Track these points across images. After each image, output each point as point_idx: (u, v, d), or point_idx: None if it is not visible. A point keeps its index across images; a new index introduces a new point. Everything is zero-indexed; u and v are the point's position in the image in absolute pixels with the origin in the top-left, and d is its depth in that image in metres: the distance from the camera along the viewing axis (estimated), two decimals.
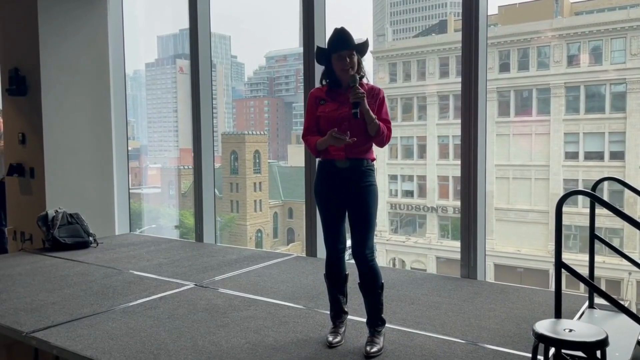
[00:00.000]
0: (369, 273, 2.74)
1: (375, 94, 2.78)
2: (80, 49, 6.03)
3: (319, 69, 4.90)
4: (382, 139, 2.75)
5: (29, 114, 5.83)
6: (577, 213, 14.92)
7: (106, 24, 6.21)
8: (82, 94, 6.07)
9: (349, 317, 2.98)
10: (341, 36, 2.76)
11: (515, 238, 18.57)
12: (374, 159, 2.84)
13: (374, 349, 2.66)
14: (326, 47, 2.79)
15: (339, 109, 2.74)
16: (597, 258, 3.36)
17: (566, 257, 2.58)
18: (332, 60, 2.75)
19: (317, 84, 4.97)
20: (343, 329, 2.88)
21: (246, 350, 2.74)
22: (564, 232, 2.59)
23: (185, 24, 5.85)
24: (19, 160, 5.94)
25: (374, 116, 2.69)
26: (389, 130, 2.76)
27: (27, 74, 5.79)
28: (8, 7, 5.90)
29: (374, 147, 2.83)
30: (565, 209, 2.59)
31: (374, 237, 2.86)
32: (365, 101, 2.65)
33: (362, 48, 2.81)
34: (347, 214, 2.82)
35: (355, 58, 2.76)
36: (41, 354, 3.06)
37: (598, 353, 2.18)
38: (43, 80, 5.70)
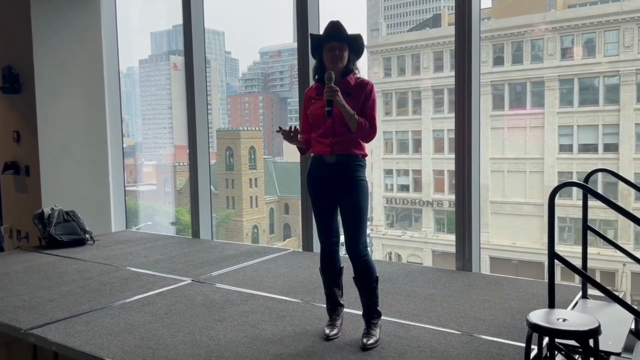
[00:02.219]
0: (363, 268, 2.77)
1: (362, 87, 2.77)
2: (73, 46, 6.01)
3: (313, 64, 4.92)
4: (364, 134, 2.73)
5: (23, 112, 5.82)
6: (571, 205, 15.00)
7: (99, 21, 6.20)
8: (76, 91, 6.06)
9: (346, 310, 3.01)
10: (335, 28, 2.77)
11: (511, 231, 18.65)
12: (364, 155, 2.83)
13: (371, 341, 2.70)
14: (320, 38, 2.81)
15: (324, 107, 2.75)
16: (591, 250, 3.39)
17: (561, 249, 2.61)
18: (324, 52, 2.77)
19: (311, 80, 4.99)
20: (340, 322, 2.91)
21: (244, 344, 2.77)
22: (558, 224, 2.62)
23: (178, 20, 5.85)
24: (13, 159, 5.93)
25: (352, 112, 2.67)
26: (372, 125, 2.73)
27: (21, 72, 5.77)
28: (0, 4, 5.88)
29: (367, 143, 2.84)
30: (559, 201, 2.62)
31: (367, 231, 2.87)
32: (340, 97, 2.64)
33: (355, 43, 2.80)
34: (338, 208, 2.85)
35: (346, 53, 2.76)
36: (40, 351, 3.07)
37: (591, 342, 2.22)
38: (37, 78, 5.69)
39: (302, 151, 2.99)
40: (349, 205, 2.77)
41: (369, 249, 2.85)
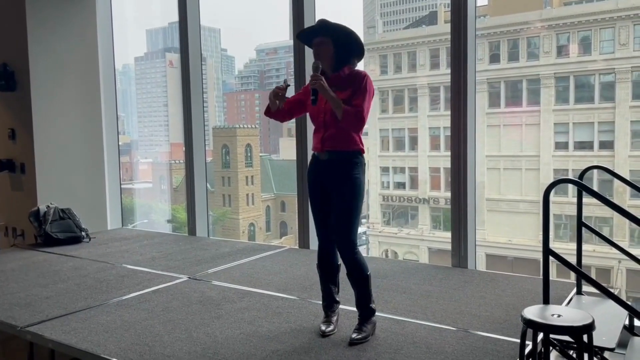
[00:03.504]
0: (353, 267, 2.77)
1: (354, 78, 2.73)
2: (69, 43, 5.99)
3: (309, 62, 4.93)
4: (350, 123, 2.66)
5: (19, 109, 5.80)
6: (567, 202, 15.03)
7: (95, 18, 6.18)
8: (72, 88, 6.04)
9: (342, 306, 3.02)
10: (317, 24, 2.77)
11: (507, 228, 18.69)
12: (358, 150, 2.77)
13: (359, 336, 2.71)
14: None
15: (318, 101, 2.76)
16: (587, 247, 3.41)
17: (557, 246, 2.62)
18: None
19: (308, 77, 5.00)
20: (335, 318, 2.92)
21: (240, 340, 2.77)
22: (554, 221, 2.63)
23: (174, 17, 5.84)
24: (9, 156, 5.91)
25: (337, 100, 2.65)
26: (357, 112, 2.64)
27: (16, 69, 5.76)
28: None
29: (363, 139, 2.82)
30: (555, 198, 2.64)
31: (358, 231, 2.81)
32: (324, 85, 2.62)
33: (339, 35, 2.73)
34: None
35: (331, 48, 2.72)
36: (36, 348, 3.08)
37: (585, 337, 2.24)
38: (32, 75, 5.67)
39: (267, 111, 2.91)
40: (337, 204, 2.75)
41: (358, 248, 2.79)
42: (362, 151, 2.79)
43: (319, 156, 2.81)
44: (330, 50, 2.73)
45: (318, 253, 2.94)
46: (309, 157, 4.87)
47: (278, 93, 2.78)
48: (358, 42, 2.79)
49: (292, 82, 5.06)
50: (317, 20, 2.81)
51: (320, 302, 2.99)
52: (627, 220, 2.52)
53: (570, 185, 2.95)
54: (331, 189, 2.79)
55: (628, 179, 3.46)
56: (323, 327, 2.84)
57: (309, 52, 4.93)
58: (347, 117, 2.65)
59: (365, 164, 2.83)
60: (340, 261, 2.94)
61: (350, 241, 2.75)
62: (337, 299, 2.96)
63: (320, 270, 2.95)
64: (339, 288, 2.98)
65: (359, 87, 2.71)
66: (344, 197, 2.74)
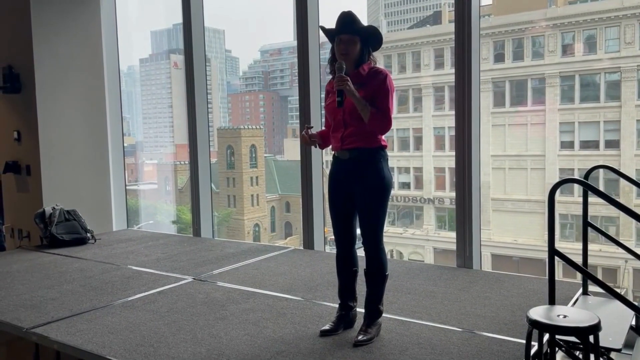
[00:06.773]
0: (374, 262, 2.75)
1: (374, 77, 2.69)
2: (73, 45, 6.01)
3: (313, 62, 4.93)
4: (377, 125, 2.64)
5: (24, 111, 5.83)
6: (573, 202, 14.97)
7: (99, 20, 6.20)
8: (77, 90, 6.06)
9: None
10: (344, 19, 2.71)
11: (512, 228, 18.64)
12: (380, 147, 2.72)
13: (364, 338, 2.69)
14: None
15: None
16: (593, 246, 3.39)
17: (563, 245, 2.61)
18: (334, 44, 2.73)
19: (312, 77, 5.01)
20: (340, 324, 2.87)
21: (245, 341, 2.77)
22: (560, 221, 2.62)
23: (178, 18, 5.85)
24: (14, 158, 5.94)
25: (364, 102, 2.62)
26: (385, 114, 2.63)
27: (21, 72, 5.78)
28: (0, 4, 5.88)
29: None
30: (561, 198, 2.63)
31: (383, 228, 2.75)
32: (351, 87, 2.60)
33: (367, 35, 2.71)
34: (354, 209, 2.79)
35: (358, 45, 2.69)
36: (42, 349, 3.08)
37: (591, 338, 2.22)
38: (37, 77, 5.69)
39: (319, 146, 2.94)
40: (363, 202, 2.71)
41: (384, 246, 2.76)
42: (384, 146, 2.75)
43: (340, 155, 2.76)
44: (357, 49, 2.69)
45: (337, 260, 2.90)
46: (313, 158, 4.94)
47: (306, 137, 2.83)
48: (378, 38, 2.75)
49: (296, 84, 5.05)
50: (342, 13, 2.70)
51: (325, 303, 2.99)
52: (633, 220, 2.50)
53: (576, 185, 2.94)
54: (355, 188, 2.73)
55: (634, 178, 3.45)
56: (325, 326, 2.84)
57: (312, 53, 4.93)
58: (373, 119, 2.62)
59: (387, 159, 2.77)
60: (357, 267, 2.90)
61: (376, 239, 2.72)
62: (351, 304, 2.90)
63: (338, 275, 2.91)
64: (355, 298, 2.91)
65: (381, 87, 2.67)
66: (369, 194, 2.69)
